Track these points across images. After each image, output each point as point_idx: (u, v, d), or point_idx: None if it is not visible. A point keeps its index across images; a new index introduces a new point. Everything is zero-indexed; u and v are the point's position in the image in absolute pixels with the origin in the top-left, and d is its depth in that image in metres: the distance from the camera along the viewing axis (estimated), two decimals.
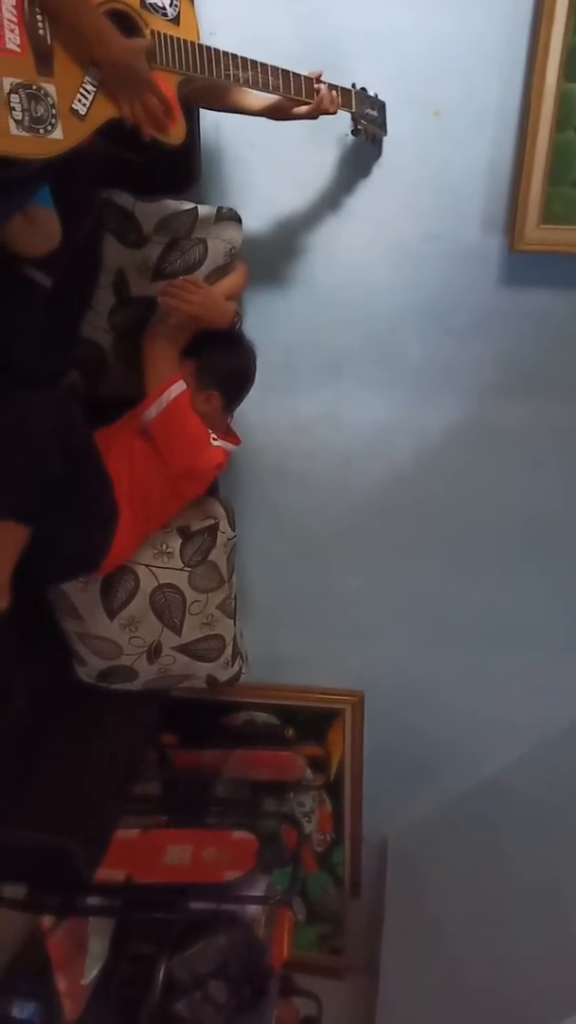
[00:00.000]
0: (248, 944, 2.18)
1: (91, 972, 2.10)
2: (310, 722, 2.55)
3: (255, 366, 1.85)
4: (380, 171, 1.87)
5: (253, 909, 2.20)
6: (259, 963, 2.19)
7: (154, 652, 1.96)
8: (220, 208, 1.77)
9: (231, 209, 1.79)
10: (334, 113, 1.58)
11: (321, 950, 2.94)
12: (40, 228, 1.45)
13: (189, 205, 1.73)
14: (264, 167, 1.88)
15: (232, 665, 2.16)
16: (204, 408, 1.76)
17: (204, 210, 1.74)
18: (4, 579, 1.55)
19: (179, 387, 1.69)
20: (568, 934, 2.05)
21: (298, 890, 2.70)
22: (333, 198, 1.90)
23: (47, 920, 2.07)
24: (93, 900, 2.11)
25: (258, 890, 2.21)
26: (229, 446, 1.85)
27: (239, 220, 1.80)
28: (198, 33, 1.37)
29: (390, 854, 2.73)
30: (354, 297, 2.00)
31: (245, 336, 1.84)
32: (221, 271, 1.79)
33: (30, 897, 2.05)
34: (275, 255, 1.97)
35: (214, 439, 1.78)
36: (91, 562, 1.75)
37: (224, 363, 1.79)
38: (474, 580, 2.30)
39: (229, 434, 1.90)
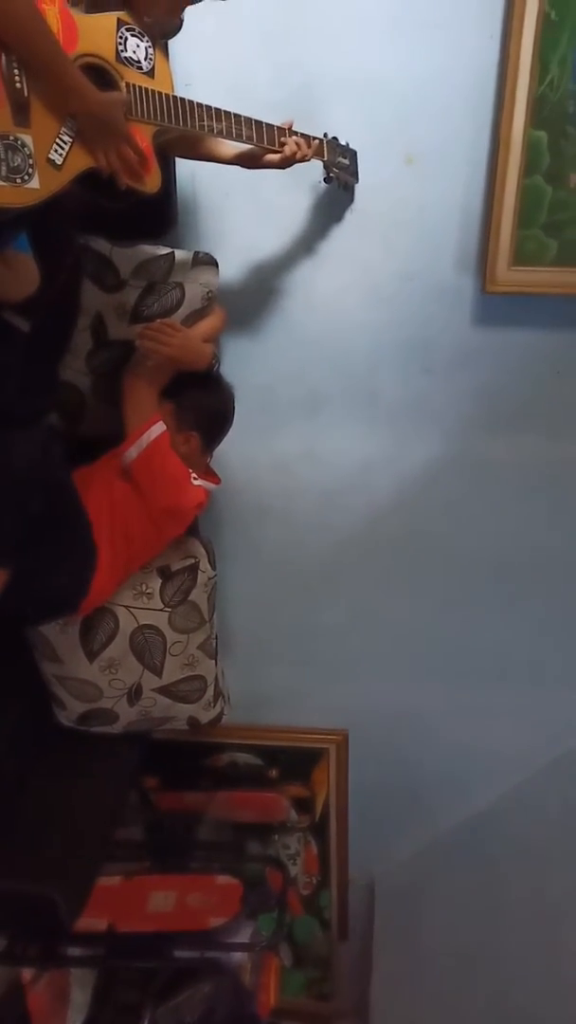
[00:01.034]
0: (234, 992, 2.14)
1: None
2: (294, 762, 2.52)
3: (233, 407, 1.87)
4: (354, 215, 1.90)
5: (239, 956, 2.17)
6: (246, 1011, 2.15)
7: (135, 694, 1.95)
8: (197, 253, 1.79)
9: (207, 254, 1.81)
10: (305, 161, 1.61)
11: (309, 996, 2.89)
12: (18, 273, 1.46)
13: (166, 250, 1.75)
14: (240, 213, 1.91)
15: (214, 706, 2.14)
16: (184, 449, 1.77)
17: (181, 255, 1.76)
18: None
19: (159, 428, 1.70)
20: (564, 970, 2.02)
21: (284, 935, 2.66)
22: (308, 242, 1.93)
23: (27, 972, 2.03)
24: (75, 950, 2.07)
25: (243, 936, 2.18)
26: (210, 486, 1.85)
27: (215, 264, 1.82)
28: (172, 85, 1.40)
29: (378, 895, 2.69)
30: (331, 337, 2.02)
31: (223, 377, 1.86)
32: (198, 314, 1.81)
33: (10, 949, 2.00)
34: (252, 298, 2.00)
35: (194, 479, 1.79)
36: (70, 603, 1.74)
37: (203, 404, 1.81)
38: (458, 613, 2.30)
39: (209, 474, 1.91)
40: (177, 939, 2.11)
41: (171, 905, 2.16)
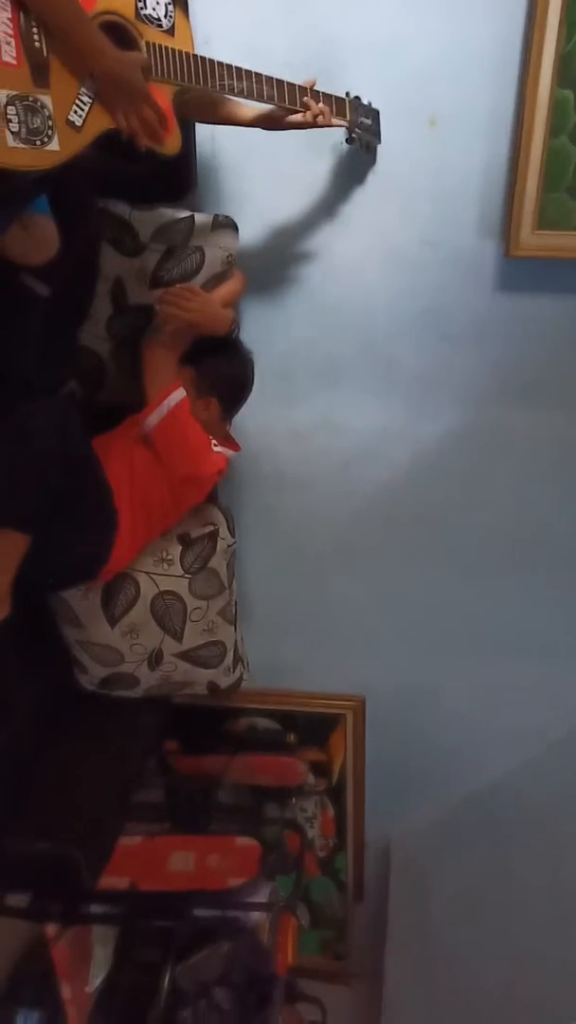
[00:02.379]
0: (252, 951, 2.18)
1: (96, 980, 2.10)
2: (312, 727, 2.55)
3: (253, 373, 1.86)
4: (376, 179, 1.87)
5: (257, 915, 2.20)
6: (264, 970, 2.19)
7: (155, 659, 1.97)
8: (216, 216, 1.78)
9: (227, 217, 1.79)
10: (329, 126, 1.58)
11: (325, 955, 2.94)
12: (38, 237, 1.45)
13: (185, 213, 1.73)
14: (260, 176, 1.89)
15: (233, 671, 2.17)
16: (203, 415, 1.77)
17: (200, 218, 1.75)
18: (4, 587, 1.55)
19: (179, 395, 1.70)
20: (573, 938, 2.04)
21: (302, 896, 2.70)
22: (329, 206, 1.91)
23: (51, 928, 2.07)
24: (97, 908, 2.11)
25: (262, 896, 2.21)
26: (229, 452, 1.86)
27: (235, 227, 1.81)
28: (192, 44, 1.38)
29: (393, 859, 2.72)
30: (351, 304, 2.01)
31: (243, 343, 1.85)
32: (219, 278, 1.80)
33: (34, 905, 2.05)
34: (272, 263, 1.98)
35: (215, 445, 1.79)
36: (91, 570, 1.76)
37: (222, 370, 1.80)
38: (474, 586, 2.30)
39: (228, 440, 1.91)
40: (197, 898, 2.14)
41: (191, 865, 2.19)
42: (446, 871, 2.58)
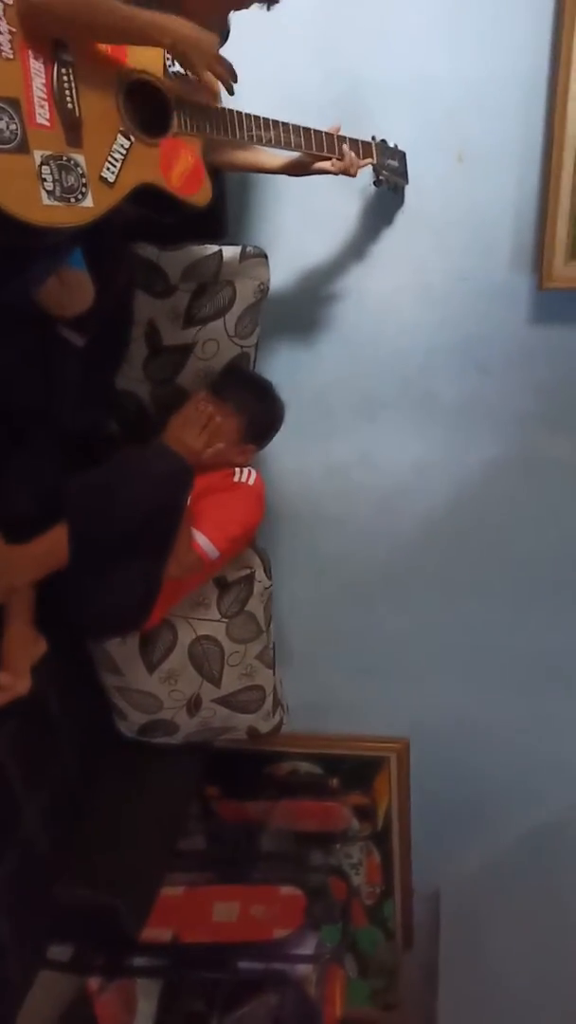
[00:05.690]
0: (300, 1003, 2.13)
1: None
2: (355, 770, 2.50)
3: (283, 413, 1.88)
4: (405, 216, 1.88)
5: (304, 967, 2.15)
6: (312, 1022, 2.13)
7: (194, 705, 1.95)
8: (245, 247, 1.77)
9: (256, 247, 1.78)
10: (354, 175, 1.59)
11: (375, 1006, 2.85)
12: (73, 290, 1.47)
13: (213, 248, 1.74)
14: (289, 219, 1.91)
15: (273, 716, 2.14)
16: (239, 459, 1.80)
17: (229, 252, 1.75)
18: (24, 580, 1.53)
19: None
20: None
21: (349, 945, 2.63)
22: (359, 246, 1.92)
23: (94, 981, 2.04)
24: (140, 960, 2.08)
25: (308, 947, 2.16)
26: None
27: (265, 256, 1.79)
28: (219, 97, 1.40)
29: (443, 906, 2.65)
30: (385, 340, 2.01)
31: (273, 387, 1.86)
32: (253, 310, 1.80)
33: (76, 958, 2.02)
34: (305, 302, 1.99)
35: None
36: (136, 623, 1.74)
37: (262, 422, 1.82)
38: (521, 618, 2.25)
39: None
40: (241, 950, 2.10)
41: (235, 916, 2.16)
42: (498, 915, 2.50)
